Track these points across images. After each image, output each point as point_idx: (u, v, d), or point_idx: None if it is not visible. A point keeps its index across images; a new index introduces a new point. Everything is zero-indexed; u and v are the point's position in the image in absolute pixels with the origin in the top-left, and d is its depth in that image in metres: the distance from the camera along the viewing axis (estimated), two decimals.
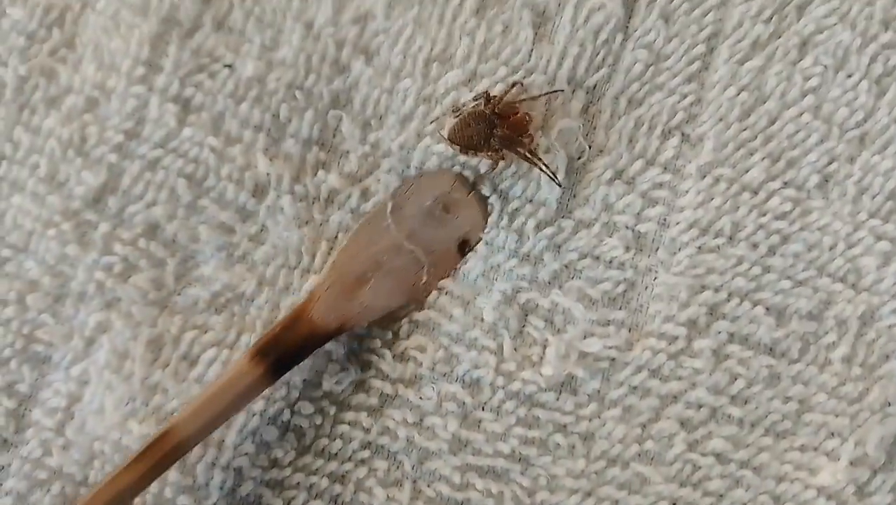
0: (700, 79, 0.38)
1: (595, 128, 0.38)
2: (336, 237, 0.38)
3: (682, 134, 0.38)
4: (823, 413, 0.37)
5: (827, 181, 0.38)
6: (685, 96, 0.38)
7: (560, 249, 0.38)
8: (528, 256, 0.38)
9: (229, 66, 0.39)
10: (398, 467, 0.37)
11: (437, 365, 0.37)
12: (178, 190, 0.39)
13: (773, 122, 0.38)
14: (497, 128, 0.37)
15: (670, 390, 0.37)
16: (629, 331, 0.37)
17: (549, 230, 0.38)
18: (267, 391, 0.37)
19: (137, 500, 0.35)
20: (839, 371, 0.37)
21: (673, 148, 0.38)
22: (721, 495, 0.36)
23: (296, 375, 0.37)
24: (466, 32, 0.39)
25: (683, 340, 0.37)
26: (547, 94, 0.38)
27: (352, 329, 0.37)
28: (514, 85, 0.38)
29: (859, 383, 0.37)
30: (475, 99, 0.38)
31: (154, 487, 0.36)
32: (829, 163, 0.38)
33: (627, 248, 0.38)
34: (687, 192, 0.38)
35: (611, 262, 0.38)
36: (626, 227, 0.38)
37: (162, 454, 0.35)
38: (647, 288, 0.37)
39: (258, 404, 0.37)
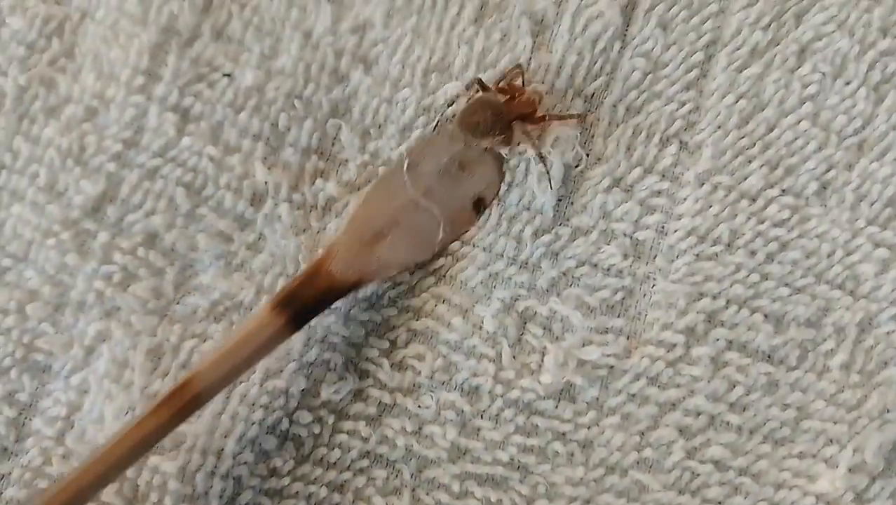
0: (698, 86, 0.39)
1: (593, 136, 0.38)
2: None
3: (681, 142, 0.38)
4: (822, 420, 0.37)
5: (825, 188, 0.38)
6: (683, 104, 0.38)
7: (558, 257, 0.38)
8: (527, 263, 0.38)
9: (228, 75, 0.39)
10: (397, 476, 0.37)
11: (436, 373, 0.37)
12: (176, 199, 0.39)
13: (771, 130, 0.38)
14: (504, 113, 0.37)
15: (669, 398, 0.37)
16: (627, 338, 0.37)
17: (546, 237, 0.38)
18: (266, 399, 0.37)
19: None
20: (837, 378, 0.37)
21: (671, 156, 0.38)
22: (720, 503, 0.36)
23: (293, 384, 0.37)
24: (465, 41, 0.39)
25: (682, 348, 0.37)
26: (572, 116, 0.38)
27: (369, 283, 0.37)
28: (515, 67, 0.37)
29: (857, 390, 0.37)
30: (467, 88, 0.38)
31: (154, 495, 0.36)
32: (828, 170, 0.38)
33: (625, 256, 0.38)
34: (685, 199, 0.38)
35: (609, 269, 0.38)
36: (624, 235, 0.38)
37: (182, 404, 0.34)
38: (645, 295, 0.38)
39: (257, 413, 0.37)
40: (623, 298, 0.38)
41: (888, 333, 0.37)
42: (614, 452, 0.37)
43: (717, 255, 0.38)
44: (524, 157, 0.38)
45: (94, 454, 0.34)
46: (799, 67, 0.38)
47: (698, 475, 0.37)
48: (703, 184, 0.38)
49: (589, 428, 0.37)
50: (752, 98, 0.38)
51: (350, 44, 0.39)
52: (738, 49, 0.39)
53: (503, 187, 0.38)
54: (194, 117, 0.39)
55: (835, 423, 0.37)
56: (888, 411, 0.36)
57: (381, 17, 0.39)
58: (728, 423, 0.37)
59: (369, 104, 0.39)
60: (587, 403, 0.37)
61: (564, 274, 0.38)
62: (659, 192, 0.38)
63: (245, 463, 0.37)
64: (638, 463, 0.37)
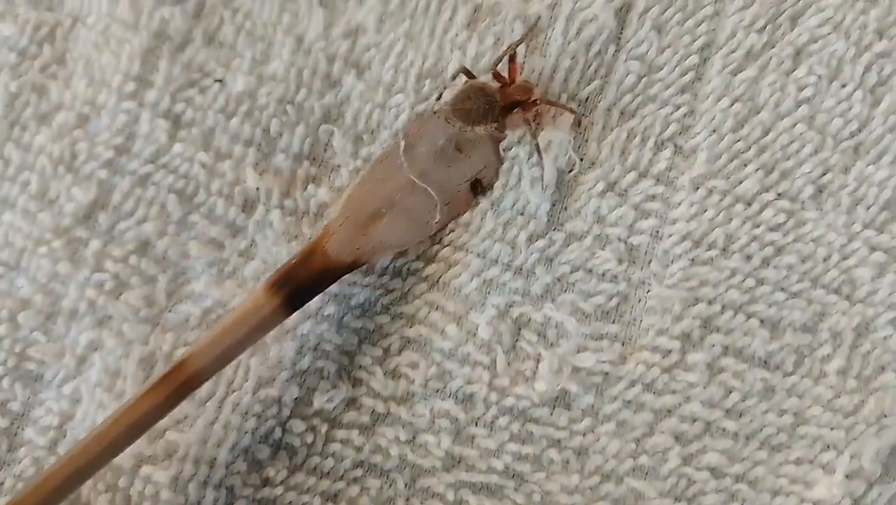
0: (693, 90, 0.38)
1: (587, 140, 0.38)
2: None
3: (675, 145, 0.38)
4: (818, 426, 0.36)
5: (821, 192, 0.37)
6: (678, 107, 0.38)
7: (552, 262, 0.37)
8: (521, 269, 0.37)
9: (220, 80, 0.39)
10: (391, 486, 0.37)
11: (430, 381, 0.37)
12: (168, 206, 0.38)
13: (766, 133, 0.38)
14: (498, 99, 0.37)
15: (664, 404, 0.36)
16: (622, 344, 0.37)
17: (540, 243, 0.38)
18: (258, 407, 0.36)
19: None
20: (834, 383, 0.36)
21: (666, 160, 0.38)
22: None
23: (286, 392, 0.37)
24: (458, 46, 0.39)
25: (677, 354, 0.37)
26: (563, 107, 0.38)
27: (365, 264, 0.37)
28: (507, 49, 0.37)
29: (854, 396, 0.36)
30: (452, 78, 0.38)
31: None
32: (824, 173, 0.37)
33: (620, 261, 0.37)
34: (680, 203, 0.38)
35: (603, 274, 0.37)
36: (619, 240, 0.37)
37: (177, 385, 0.34)
38: (640, 301, 0.37)
39: (250, 422, 0.37)
40: (618, 304, 0.37)
41: (885, 337, 0.36)
42: (610, 459, 0.36)
43: (712, 259, 0.37)
44: (517, 161, 0.38)
45: (89, 436, 0.34)
46: (794, 70, 0.38)
47: (694, 482, 0.36)
48: (697, 188, 0.38)
49: (584, 435, 0.37)
50: (748, 101, 0.38)
51: (342, 49, 0.39)
52: (733, 52, 0.38)
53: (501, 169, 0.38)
54: (186, 123, 0.39)
55: (832, 428, 0.36)
56: (885, 417, 0.36)
57: (374, 21, 0.39)
58: (724, 429, 0.36)
59: (362, 109, 0.39)
60: (582, 410, 0.37)
61: (559, 280, 0.37)
62: (653, 197, 0.38)
63: (238, 473, 0.37)
64: (634, 470, 0.36)
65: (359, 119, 0.39)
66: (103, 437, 0.34)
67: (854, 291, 0.37)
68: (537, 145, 0.37)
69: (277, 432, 0.37)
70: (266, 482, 0.37)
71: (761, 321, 0.37)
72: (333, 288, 0.38)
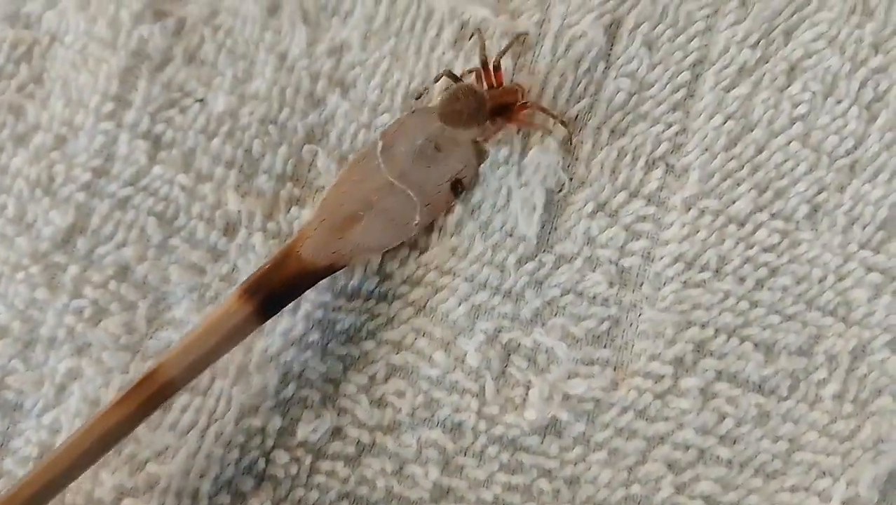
0: (685, 107, 0.37)
1: (577, 159, 0.37)
2: None
3: (667, 164, 0.37)
4: (814, 452, 0.35)
5: (816, 211, 0.37)
6: (670, 126, 0.37)
7: (542, 286, 0.36)
8: (510, 292, 0.37)
9: (201, 100, 0.38)
10: None
11: (417, 410, 0.36)
12: (148, 230, 0.37)
13: (760, 152, 0.37)
14: (486, 102, 0.36)
15: (657, 431, 0.36)
16: (614, 370, 0.36)
17: (530, 265, 0.37)
18: (241, 438, 0.36)
19: None
20: (830, 408, 0.36)
21: (657, 179, 0.37)
22: None
23: (270, 422, 0.36)
24: (444, 65, 0.38)
25: (670, 379, 0.36)
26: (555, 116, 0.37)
27: (342, 267, 0.36)
28: (497, 56, 0.37)
29: (851, 420, 0.35)
30: (435, 81, 0.37)
31: None
32: (819, 192, 0.37)
33: (611, 284, 0.36)
34: (671, 224, 0.37)
35: (594, 298, 0.36)
36: (610, 262, 0.37)
37: (148, 394, 0.33)
38: (632, 325, 0.36)
39: (233, 453, 0.36)
40: (609, 328, 0.36)
41: (882, 360, 0.36)
42: (601, 488, 0.36)
43: (704, 282, 0.36)
44: (505, 180, 0.37)
45: (60, 448, 0.33)
46: (788, 86, 0.37)
47: None
48: (690, 208, 0.37)
49: (575, 464, 0.36)
50: (741, 119, 0.37)
51: (326, 67, 0.38)
52: (726, 68, 0.37)
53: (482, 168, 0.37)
54: (166, 144, 0.38)
55: (827, 455, 0.35)
56: (882, 442, 0.35)
57: (359, 39, 0.38)
58: (718, 456, 0.36)
59: (347, 129, 0.38)
60: (573, 438, 0.36)
61: (549, 303, 0.37)
62: (645, 218, 0.37)
63: None
64: (626, 500, 0.36)
65: (343, 139, 0.38)
66: (75, 448, 0.33)
67: (850, 312, 0.36)
68: (549, 119, 0.37)
69: (261, 463, 0.36)
70: None
71: (755, 345, 0.36)
72: (318, 313, 0.37)
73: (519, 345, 0.36)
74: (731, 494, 0.35)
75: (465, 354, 0.36)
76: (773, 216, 0.37)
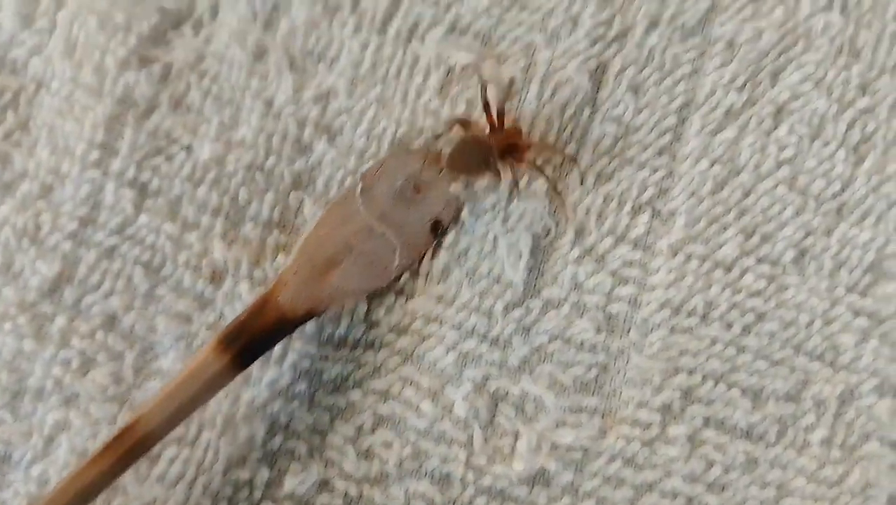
0: (671, 151, 0.37)
1: (563, 204, 0.37)
2: None
3: (653, 209, 0.37)
4: (803, 498, 0.36)
5: (803, 255, 0.37)
6: (656, 170, 0.37)
7: (529, 332, 0.37)
8: (498, 339, 0.37)
9: (187, 147, 0.38)
10: None
11: (405, 462, 0.36)
12: (134, 279, 0.38)
13: (746, 196, 0.37)
14: (492, 146, 0.36)
15: (645, 479, 0.36)
16: (602, 417, 0.36)
17: (517, 312, 0.37)
18: (229, 490, 0.36)
19: None
20: (818, 454, 0.36)
21: (643, 224, 0.37)
22: None
23: (257, 474, 0.36)
24: (430, 112, 0.38)
25: (658, 427, 0.36)
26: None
27: (322, 313, 0.36)
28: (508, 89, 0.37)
29: (839, 466, 0.36)
30: (450, 128, 0.37)
31: None
32: (805, 236, 0.37)
33: (598, 330, 0.36)
34: (658, 270, 0.37)
35: (582, 344, 0.37)
36: (597, 308, 0.37)
37: (126, 448, 0.34)
38: (619, 371, 0.36)
39: None
40: (597, 375, 0.36)
41: (869, 405, 0.36)
42: None
43: (692, 328, 0.36)
44: (492, 226, 0.37)
45: (40, 503, 0.33)
46: (775, 129, 0.37)
47: None
48: (676, 253, 0.37)
49: None
50: (727, 163, 0.37)
51: (313, 113, 0.38)
52: (713, 111, 0.37)
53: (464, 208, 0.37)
54: (152, 193, 0.38)
55: (816, 500, 0.36)
56: (870, 487, 0.35)
57: (345, 85, 0.38)
58: (707, 504, 0.35)
59: (334, 176, 0.38)
60: (562, 487, 0.36)
61: (537, 350, 0.37)
62: (631, 263, 0.37)
63: None
64: None
65: (331, 185, 0.38)
66: (55, 503, 0.33)
67: (837, 357, 0.36)
68: (552, 182, 0.37)
69: None
70: None
71: (743, 391, 0.36)
72: (305, 363, 0.37)
73: (507, 393, 0.36)
74: None
75: (453, 404, 0.36)
76: (759, 261, 0.37)
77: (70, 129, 0.39)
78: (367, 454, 0.37)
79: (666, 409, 0.36)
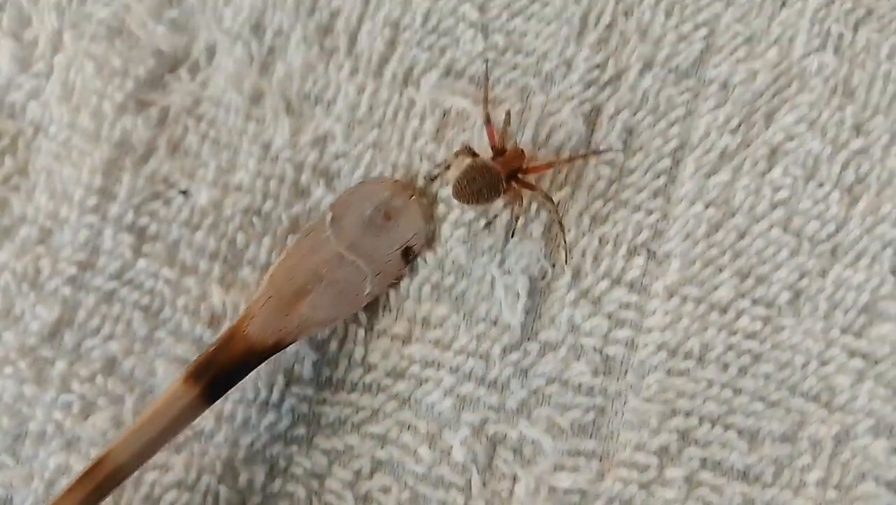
0: (666, 193, 0.38)
1: (558, 246, 0.38)
2: (292, 367, 0.37)
3: (649, 251, 0.38)
4: None
5: (798, 297, 0.37)
6: (651, 212, 0.38)
7: (527, 375, 0.37)
8: (495, 382, 0.37)
9: (184, 192, 0.38)
10: None
11: None
12: (134, 323, 0.38)
13: (741, 238, 0.37)
14: (499, 171, 0.36)
15: None
16: (600, 460, 0.37)
17: (515, 355, 0.37)
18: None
19: None
20: (814, 494, 0.36)
21: (639, 266, 0.38)
22: None
23: None
24: (426, 156, 0.38)
25: (655, 469, 0.36)
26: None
27: (291, 343, 0.36)
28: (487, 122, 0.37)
29: None
30: (456, 155, 0.38)
31: None
32: (800, 278, 0.37)
33: (596, 373, 0.37)
34: (654, 312, 0.37)
35: (579, 387, 0.37)
36: (594, 350, 0.37)
37: (97, 482, 0.34)
38: (617, 414, 0.37)
39: None
40: (595, 418, 0.37)
41: (865, 445, 0.36)
42: None
43: (688, 370, 0.37)
44: (489, 268, 0.37)
45: None
46: (770, 171, 0.38)
47: None
48: (672, 296, 0.37)
49: None
50: (722, 205, 0.38)
51: (310, 158, 0.39)
52: (707, 153, 0.38)
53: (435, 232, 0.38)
54: (150, 237, 0.39)
55: None
56: None
57: (342, 129, 0.39)
58: None
59: None
60: None
61: (534, 393, 0.37)
62: (627, 305, 0.37)
63: None
64: None
65: None
66: None
67: (833, 398, 0.37)
68: (551, 201, 0.37)
69: None
70: None
71: (739, 432, 0.37)
72: (303, 407, 0.37)
73: (505, 437, 0.37)
74: None
75: (451, 448, 0.37)
76: (755, 303, 0.37)
77: (68, 174, 0.39)
78: (365, 499, 0.37)
79: (663, 451, 0.37)
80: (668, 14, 0.39)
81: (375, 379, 0.38)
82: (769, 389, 0.37)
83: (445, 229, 0.38)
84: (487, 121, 0.37)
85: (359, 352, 0.38)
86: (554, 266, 0.38)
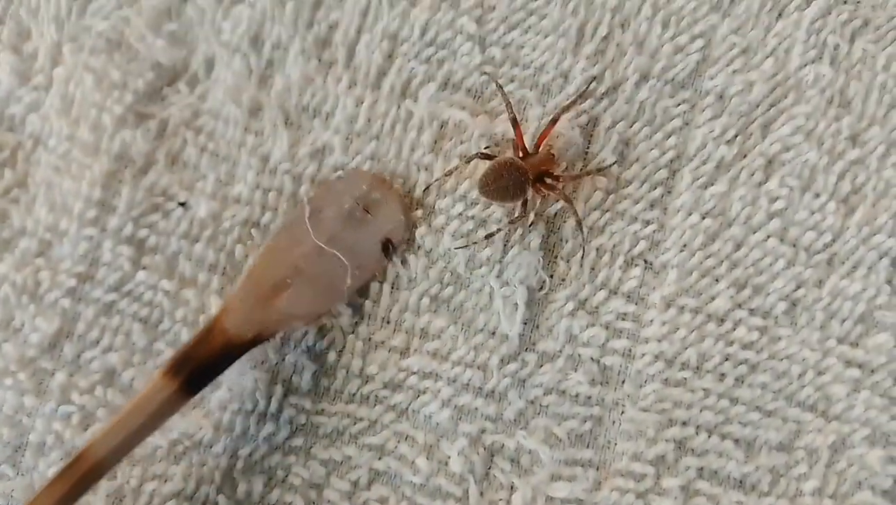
0: (662, 204, 0.38)
1: (556, 257, 0.38)
2: (290, 378, 0.38)
3: (646, 262, 0.38)
4: None
5: (794, 307, 0.38)
6: (648, 223, 0.38)
7: (525, 385, 0.38)
8: (493, 393, 0.38)
9: (183, 203, 0.39)
10: None
11: None
12: (133, 335, 0.39)
13: (738, 248, 0.38)
14: (527, 171, 0.37)
15: None
16: (597, 470, 0.37)
17: (512, 365, 0.38)
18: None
19: None
20: (810, 503, 0.37)
21: (636, 277, 0.38)
22: None
23: None
24: (424, 167, 0.39)
25: (651, 479, 0.37)
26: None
27: (270, 337, 0.37)
28: (552, 121, 0.38)
29: None
30: (467, 162, 0.38)
31: None
32: (797, 288, 0.38)
33: (593, 382, 0.38)
34: (651, 322, 0.38)
35: (577, 396, 0.38)
36: (592, 360, 0.38)
37: (78, 477, 0.35)
38: (614, 423, 0.37)
39: None
40: (592, 428, 0.38)
41: (861, 455, 0.37)
42: None
43: (685, 380, 0.37)
44: (486, 280, 0.38)
45: None
46: (766, 182, 0.38)
47: None
48: (669, 306, 0.38)
49: None
50: (718, 216, 0.38)
51: (309, 170, 0.39)
52: (704, 164, 0.39)
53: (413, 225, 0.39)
54: (149, 249, 0.39)
55: None
56: None
57: (340, 142, 0.39)
58: None
59: None
60: None
61: (532, 403, 0.38)
62: (625, 316, 0.38)
63: None
64: None
65: None
66: None
67: (829, 407, 0.37)
68: (576, 213, 0.38)
69: None
70: None
71: (736, 442, 0.37)
72: (301, 418, 0.38)
73: (502, 447, 0.38)
74: None
75: (448, 459, 0.37)
76: (751, 313, 0.38)
77: (68, 187, 0.40)
78: None
79: (660, 460, 0.37)
80: (665, 26, 0.39)
81: (373, 390, 0.38)
82: (766, 399, 0.38)
83: (445, 240, 0.39)
84: (515, 123, 0.38)
85: (357, 363, 0.38)
86: (552, 277, 0.39)
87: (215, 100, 0.40)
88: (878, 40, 0.39)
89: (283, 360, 0.39)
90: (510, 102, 0.38)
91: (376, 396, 0.38)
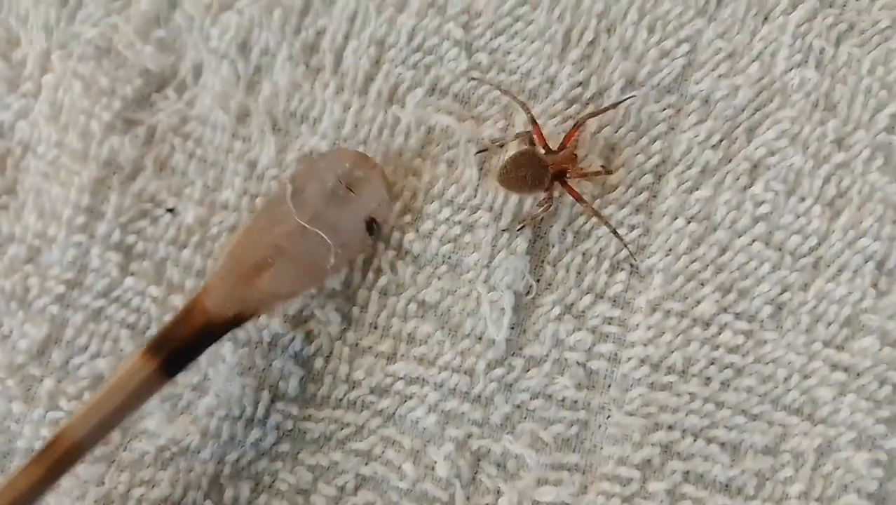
0: (648, 209, 0.39)
1: (542, 262, 0.39)
2: (277, 383, 0.38)
3: (631, 267, 0.38)
4: None
5: (780, 311, 0.38)
6: (633, 228, 0.39)
7: (511, 390, 0.38)
8: (479, 398, 0.38)
9: (171, 210, 0.40)
10: None
11: None
12: (121, 341, 0.39)
13: (723, 252, 0.38)
14: (547, 167, 0.38)
15: None
16: (583, 474, 0.38)
17: (499, 370, 0.38)
18: None
19: None
20: None
21: (621, 282, 0.39)
22: None
23: None
24: (411, 172, 0.39)
25: (637, 483, 0.37)
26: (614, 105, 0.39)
27: (252, 317, 0.37)
28: (576, 125, 0.38)
29: None
30: (517, 136, 0.39)
31: None
32: (782, 292, 0.38)
33: (579, 387, 0.38)
34: (637, 326, 0.38)
35: (563, 401, 0.38)
36: (578, 364, 0.38)
37: (55, 458, 0.34)
38: (600, 427, 0.38)
39: None
40: (578, 432, 0.38)
41: (847, 458, 0.37)
42: None
43: (671, 384, 0.38)
44: (474, 284, 0.38)
45: None
46: (751, 186, 0.39)
47: None
48: (654, 310, 0.38)
49: None
50: (704, 220, 0.39)
51: None
52: (689, 169, 0.39)
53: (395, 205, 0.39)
54: (137, 255, 0.40)
55: None
56: None
57: (328, 147, 0.40)
58: None
59: None
60: None
61: (518, 407, 0.38)
62: (610, 320, 0.38)
63: None
64: None
65: None
66: None
67: (815, 411, 0.38)
68: (593, 209, 0.38)
69: None
70: None
71: (721, 445, 0.38)
72: (287, 424, 0.38)
73: (489, 451, 0.38)
74: None
75: (435, 464, 0.38)
76: (737, 317, 0.38)
77: (56, 193, 0.40)
78: None
79: (646, 464, 0.38)
80: (651, 31, 0.40)
81: (360, 396, 0.39)
82: (751, 403, 0.38)
83: (433, 245, 0.39)
84: (533, 122, 0.38)
85: (344, 369, 0.39)
86: (538, 281, 0.39)
87: (203, 106, 0.41)
88: (864, 44, 0.39)
89: (270, 365, 0.39)
90: (524, 103, 0.38)
91: (363, 401, 0.39)
